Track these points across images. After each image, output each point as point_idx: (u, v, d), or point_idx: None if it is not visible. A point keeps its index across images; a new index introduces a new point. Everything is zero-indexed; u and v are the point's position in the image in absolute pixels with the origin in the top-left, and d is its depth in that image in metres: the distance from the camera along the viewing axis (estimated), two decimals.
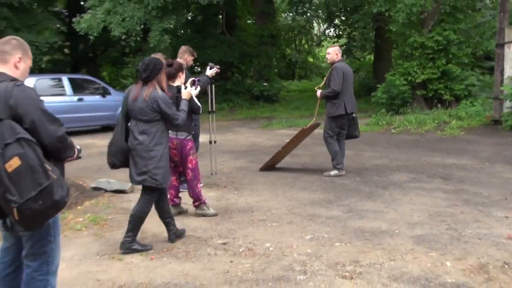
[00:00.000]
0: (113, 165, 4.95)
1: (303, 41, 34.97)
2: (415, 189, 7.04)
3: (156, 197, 5.02)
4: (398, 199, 6.56)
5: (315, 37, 34.60)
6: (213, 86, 8.11)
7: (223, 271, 4.33)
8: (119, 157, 4.86)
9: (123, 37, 16.47)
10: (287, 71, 33.98)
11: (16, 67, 3.04)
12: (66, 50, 24.29)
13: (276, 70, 26.11)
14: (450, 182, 7.40)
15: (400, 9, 14.41)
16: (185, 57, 7.59)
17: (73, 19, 17.58)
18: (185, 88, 5.45)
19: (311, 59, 37.24)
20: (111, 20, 16.51)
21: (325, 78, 8.32)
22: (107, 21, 16.55)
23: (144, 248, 4.92)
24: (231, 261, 4.57)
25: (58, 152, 3.03)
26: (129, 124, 4.95)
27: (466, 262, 4.33)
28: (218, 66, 7.56)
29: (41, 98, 3.00)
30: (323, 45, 36.85)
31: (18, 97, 2.84)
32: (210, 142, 8.42)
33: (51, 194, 2.79)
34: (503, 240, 4.86)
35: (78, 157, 3.34)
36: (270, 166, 8.79)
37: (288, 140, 9.02)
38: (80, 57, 24.86)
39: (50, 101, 12.25)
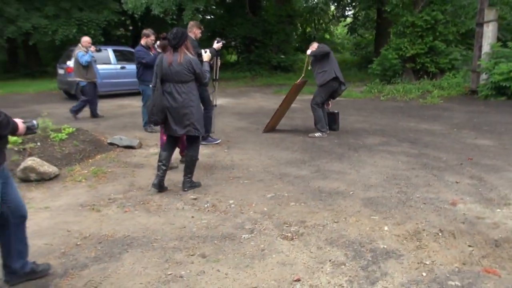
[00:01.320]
0: (156, 122, 4.86)
1: (321, 21, 33.62)
2: (382, 152, 6.31)
3: (199, 142, 5.03)
4: (363, 161, 5.87)
5: (330, 17, 33.17)
6: (219, 57, 7.44)
7: (180, 226, 3.82)
8: (160, 116, 4.67)
9: (161, 16, 15.77)
10: (307, 46, 32.82)
11: None
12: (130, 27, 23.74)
13: (297, 44, 25.21)
14: (416, 146, 6.63)
15: None
16: (193, 30, 7.03)
17: (122, 0, 16.93)
18: (205, 52, 5.20)
19: (327, 36, 35.94)
20: (152, 1, 15.85)
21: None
22: (149, 2, 15.90)
23: (198, 184, 4.97)
24: (192, 217, 4.05)
25: None
26: (164, 87, 4.69)
27: (403, 227, 3.69)
28: (224, 41, 7.15)
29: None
30: (338, 24, 35.50)
31: None
32: (213, 106, 7.82)
33: None
34: (446, 206, 4.17)
35: (30, 133, 2.80)
36: (271, 128, 8.08)
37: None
38: (138, 32, 23.98)
39: (98, 68, 11.92)
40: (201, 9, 16.30)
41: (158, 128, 6.47)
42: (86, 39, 9.56)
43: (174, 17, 15.91)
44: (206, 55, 5.26)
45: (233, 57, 25.86)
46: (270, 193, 4.64)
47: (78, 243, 3.52)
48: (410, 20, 13.61)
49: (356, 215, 3.97)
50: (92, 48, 9.50)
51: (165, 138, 5.72)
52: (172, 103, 4.63)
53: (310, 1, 24.06)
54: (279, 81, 17.41)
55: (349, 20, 22.20)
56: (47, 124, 7.03)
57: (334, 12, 28.04)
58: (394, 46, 14.09)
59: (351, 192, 4.61)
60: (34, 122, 2.79)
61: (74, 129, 7.27)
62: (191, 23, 7.21)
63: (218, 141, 7.23)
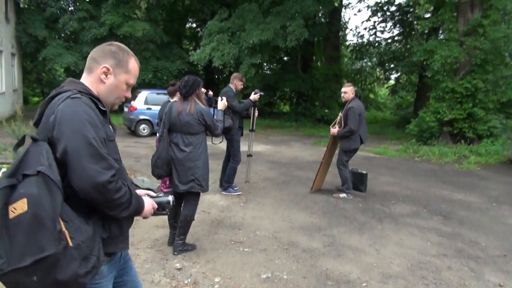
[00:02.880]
0: (160, 176, 3.84)
1: (367, 82, 32.20)
2: (410, 226, 4.80)
3: (198, 201, 3.86)
4: (387, 236, 4.41)
5: (376, 79, 31.69)
6: (256, 108, 6.38)
7: None
8: (165, 169, 3.69)
9: (220, 67, 15.19)
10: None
11: (100, 79, 1.57)
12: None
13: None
14: (449, 222, 5.04)
15: (436, 59, 11.75)
16: (234, 82, 6.09)
17: (188, 53, 16.59)
18: (221, 100, 4.25)
19: (372, 95, 34.32)
20: (214, 55, 15.35)
21: (339, 116, 6.16)
22: (212, 55, 15.41)
23: (192, 248, 3.81)
24: None
25: (98, 205, 1.43)
26: (171, 137, 3.71)
27: None
28: (262, 93, 6.09)
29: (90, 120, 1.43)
30: (382, 85, 33.84)
31: (59, 113, 1.40)
32: (248, 156, 6.68)
33: (54, 269, 1.24)
34: None
35: (161, 214, 1.72)
36: (318, 185, 6.54)
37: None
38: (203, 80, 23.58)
39: (155, 109, 11.35)
40: (257, 63, 15.47)
41: None
42: None
43: (232, 69, 15.18)
44: (221, 103, 4.21)
45: (286, 107, 24.88)
46: (267, 273, 3.35)
47: None
48: (450, 87, 11.94)
49: None
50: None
51: (165, 190, 4.66)
52: (178, 154, 3.61)
53: (357, 64, 22.74)
54: (321, 133, 16.04)
55: (391, 82, 20.65)
56: None
57: (379, 75, 26.48)
58: (432, 110, 12.39)
59: (364, 284, 3.21)
60: (170, 198, 1.73)
61: None
62: (234, 74, 6.24)
63: (239, 193, 6.03)
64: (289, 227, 4.56)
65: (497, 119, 12.08)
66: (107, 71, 1.55)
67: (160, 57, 19.84)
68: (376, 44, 18.97)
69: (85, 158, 1.34)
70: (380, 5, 17.93)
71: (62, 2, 19.43)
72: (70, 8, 20.20)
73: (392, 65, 19.08)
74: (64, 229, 1.27)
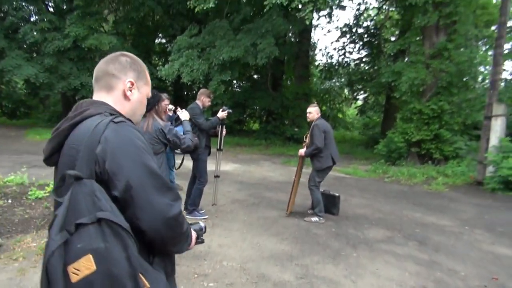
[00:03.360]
0: None
1: (335, 101, 32.75)
2: (386, 254, 4.54)
3: None
4: (363, 265, 4.12)
5: (344, 99, 32.31)
6: (223, 126, 6.02)
7: None
8: None
9: (189, 83, 14.83)
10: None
11: (125, 96, 1.36)
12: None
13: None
14: (425, 249, 4.82)
15: (404, 80, 11.92)
16: (201, 98, 5.76)
17: (157, 68, 16.18)
18: (181, 112, 3.97)
19: (340, 115, 34.91)
20: (183, 70, 14.98)
21: (306, 136, 5.98)
22: (180, 71, 15.04)
23: None
24: None
25: (164, 243, 1.19)
26: None
27: None
28: (230, 110, 5.71)
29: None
30: (350, 105, 34.55)
31: (109, 142, 1.14)
32: (215, 177, 6.29)
33: None
34: None
35: (199, 242, 1.49)
36: (292, 207, 6.19)
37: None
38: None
39: None
40: (227, 80, 15.22)
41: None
42: None
43: (201, 85, 14.85)
44: (183, 114, 3.89)
45: (255, 125, 24.69)
46: None
47: None
48: (417, 108, 12.11)
49: None
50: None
51: None
52: None
53: (326, 84, 22.96)
54: (290, 152, 15.87)
55: (359, 102, 20.94)
56: (24, 180, 5.61)
57: (347, 95, 26.93)
58: (400, 130, 12.51)
59: None
60: (202, 224, 1.55)
61: None
62: (201, 90, 5.90)
63: (205, 217, 5.62)
64: (259, 256, 4.20)
65: (462, 141, 12.32)
66: (132, 85, 1.33)
67: None
68: (345, 64, 19.22)
69: (152, 191, 1.13)
70: (349, 26, 18.25)
71: (23, 12, 18.56)
72: (32, 19, 19.35)
73: (360, 86, 19.35)
74: (148, 285, 1.01)
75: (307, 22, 13.08)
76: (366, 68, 18.41)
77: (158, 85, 19.80)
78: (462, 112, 12.34)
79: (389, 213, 6.65)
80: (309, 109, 5.89)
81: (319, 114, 5.88)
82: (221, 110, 5.74)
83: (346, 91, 22.63)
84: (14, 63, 17.01)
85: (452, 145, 11.99)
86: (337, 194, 6.43)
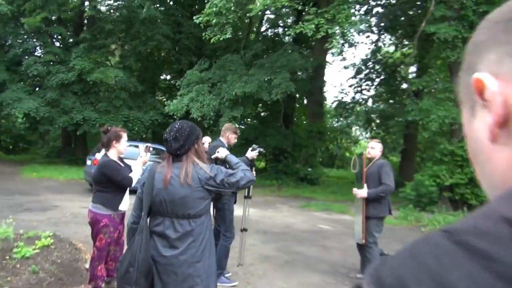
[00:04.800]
0: None
1: (343, 140, 31.98)
2: None
3: None
4: None
5: (352, 137, 31.60)
6: (253, 168, 4.97)
7: None
8: (142, 283, 2.10)
9: (199, 119, 14.00)
10: (328, 161, 31.00)
11: None
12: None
13: (320, 159, 23.04)
14: None
15: (433, 119, 11.02)
16: (226, 135, 4.80)
17: (165, 103, 15.42)
18: (217, 152, 3.04)
19: (347, 154, 34.18)
20: (193, 106, 14.21)
21: (362, 176, 4.77)
22: (190, 106, 14.26)
23: None
24: None
25: None
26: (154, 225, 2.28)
27: None
28: (261, 149, 4.60)
29: None
30: (358, 144, 33.87)
31: None
32: (241, 230, 5.18)
33: None
34: None
35: None
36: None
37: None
38: None
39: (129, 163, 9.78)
40: (238, 116, 14.38)
41: None
42: None
43: (211, 122, 14.00)
44: (221, 151, 2.94)
45: (261, 164, 23.68)
46: None
47: None
48: (448, 149, 11.15)
49: None
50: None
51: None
52: (166, 254, 2.16)
53: (341, 122, 22.06)
54: (305, 194, 14.77)
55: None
56: (8, 234, 4.52)
57: (366, 134, 25.97)
58: (430, 173, 11.47)
59: None
60: None
61: (51, 240, 4.75)
62: (226, 125, 4.96)
63: (235, 283, 4.49)
64: None
65: None
66: None
67: (133, 107, 18.50)
68: (363, 102, 18.49)
69: None
70: (365, 61, 17.69)
71: (28, 45, 18.04)
72: (36, 52, 18.83)
73: (377, 124, 18.53)
74: None
75: (336, 54, 12.44)
76: (385, 106, 17.62)
77: (165, 122, 19.01)
78: None
79: None
80: (372, 144, 4.88)
81: (382, 152, 4.85)
82: (250, 149, 4.69)
83: (364, 130, 21.65)
84: (15, 96, 16.24)
85: None
86: (386, 252, 5.29)
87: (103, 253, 3.40)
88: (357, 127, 21.95)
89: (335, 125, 22.50)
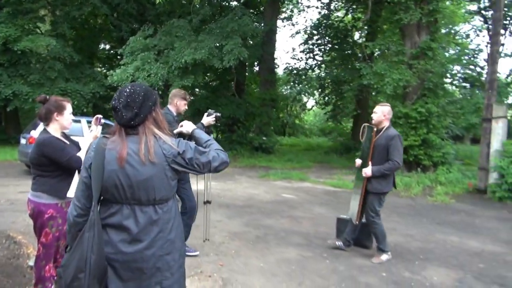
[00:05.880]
0: None
1: (293, 107, 32.07)
2: None
3: None
4: None
5: (302, 105, 31.72)
6: (211, 136, 4.39)
7: None
8: (97, 286, 1.61)
9: None
10: (279, 129, 31.05)
11: None
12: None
13: (272, 127, 22.82)
14: None
15: (388, 82, 11.01)
16: (174, 101, 4.26)
17: (107, 73, 14.15)
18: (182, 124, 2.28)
19: (297, 121, 34.45)
20: (139, 75, 13.14)
21: (368, 152, 4.30)
22: (135, 76, 13.18)
23: None
24: None
25: None
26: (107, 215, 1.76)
27: None
28: (219, 114, 3.96)
29: None
30: (308, 111, 34.23)
31: None
32: (205, 203, 4.68)
33: None
34: None
35: None
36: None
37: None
38: None
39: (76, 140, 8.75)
40: (189, 85, 13.55)
41: None
42: None
43: (160, 92, 13.09)
44: (186, 125, 2.34)
45: (213, 135, 23.07)
46: None
47: None
48: (402, 111, 11.25)
49: None
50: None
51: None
52: (126, 250, 1.69)
53: (293, 89, 21.63)
54: (262, 163, 14.52)
55: (329, 107, 20.02)
56: None
57: (319, 99, 25.86)
58: None
59: None
60: None
61: None
62: (174, 91, 4.36)
63: (196, 253, 4.13)
64: None
65: (449, 145, 11.64)
66: None
67: (70, 78, 16.89)
68: (315, 67, 18.25)
69: None
70: (316, 26, 17.34)
71: None
72: None
73: (330, 89, 18.48)
74: None
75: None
76: (338, 71, 17.50)
77: (107, 94, 17.65)
78: (448, 114, 11.69)
79: (423, 240, 5.44)
80: (377, 109, 4.37)
81: (389, 118, 4.39)
82: (206, 114, 4.05)
83: (317, 95, 21.50)
84: None
85: (440, 150, 11.25)
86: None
87: (51, 250, 2.76)
88: (307, 94, 21.71)
89: (284, 93, 22.22)
